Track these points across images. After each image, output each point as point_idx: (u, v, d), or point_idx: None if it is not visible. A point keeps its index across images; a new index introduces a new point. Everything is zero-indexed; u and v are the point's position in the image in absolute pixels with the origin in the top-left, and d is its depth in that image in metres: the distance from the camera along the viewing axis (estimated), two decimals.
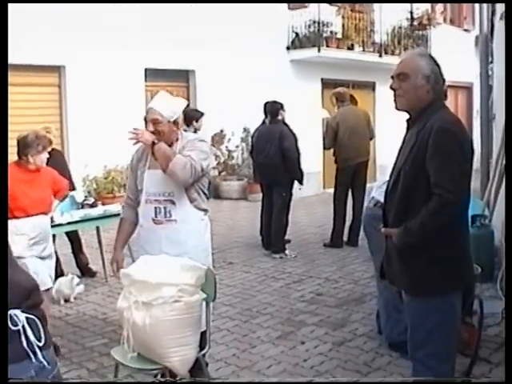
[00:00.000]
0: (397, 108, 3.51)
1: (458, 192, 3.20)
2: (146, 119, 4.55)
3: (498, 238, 7.92)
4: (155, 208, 4.54)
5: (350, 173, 9.59)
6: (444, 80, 3.48)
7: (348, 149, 9.49)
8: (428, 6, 20.48)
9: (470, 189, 3.29)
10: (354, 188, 9.64)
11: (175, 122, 4.55)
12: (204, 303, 4.02)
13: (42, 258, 5.59)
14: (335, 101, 9.84)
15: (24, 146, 5.48)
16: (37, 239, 5.55)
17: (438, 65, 3.48)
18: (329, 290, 7.44)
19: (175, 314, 3.78)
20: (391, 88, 3.50)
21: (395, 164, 3.60)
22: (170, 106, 4.56)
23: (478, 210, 7.70)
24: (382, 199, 5.28)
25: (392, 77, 3.50)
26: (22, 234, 5.42)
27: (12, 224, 5.27)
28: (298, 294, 7.27)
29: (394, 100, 3.50)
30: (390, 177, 3.62)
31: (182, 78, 15.05)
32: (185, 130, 8.78)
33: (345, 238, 9.70)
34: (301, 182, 9.38)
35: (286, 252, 9.18)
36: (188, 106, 14.65)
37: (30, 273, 5.43)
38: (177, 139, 4.59)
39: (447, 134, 3.24)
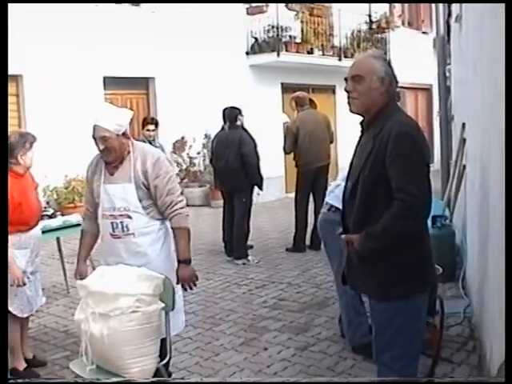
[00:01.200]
0: (351, 111, 3.49)
1: (422, 196, 3.20)
2: (94, 137, 4.41)
3: (459, 238, 7.99)
4: (112, 223, 4.45)
5: (310, 177, 9.60)
6: (397, 82, 3.49)
7: (308, 153, 9.50)
8: (386, 9, 20.70)
9: (431, 191, 3.30)
10: (315, 192, 9.65)
11: (124, 134, 4.44)
12: (163, 312, 3.97)
13: (35, 273, 5.43)
14: (295, 105, 9.85)
15: (10, 148, 5.07)
16: (35, 252, 5.37)
17: (391, 67, 3.49)
18: (291, 294, 7.44)
19: (133, 324, 3.73)
20: (346, 90, 3.49)
21: (350, 168, 3.60)
22: (115, 119, 4.42)
23: (439, 211, 7.76)
24: (334, 203, 5.36)
25: (346, 79, 3.49)
26: (25, 247, 5.19)
27: (15, 239, 5.02)
28: (261, 300, 7.25)
29: (348, 103, 3.48)
30: (347, 181, 3.61)
31: (141, 85, 14.97)
32: (142, 139, 8.88)
33: (307, 242, 9.71)
34: (260, 188, 9.37)
35: (249, 258, 9.16)
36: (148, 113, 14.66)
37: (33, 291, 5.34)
38: (128, 152, 4.47)
39: (407, 138, 3.24)
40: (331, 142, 10.03)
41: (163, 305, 3.88)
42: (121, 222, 4.42)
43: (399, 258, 3.31)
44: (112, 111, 4.56)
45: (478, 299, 5.61)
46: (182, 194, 4.57)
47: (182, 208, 4.46)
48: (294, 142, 9.53)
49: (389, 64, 3.51)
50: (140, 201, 4.42)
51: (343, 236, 3.53)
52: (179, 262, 4.44)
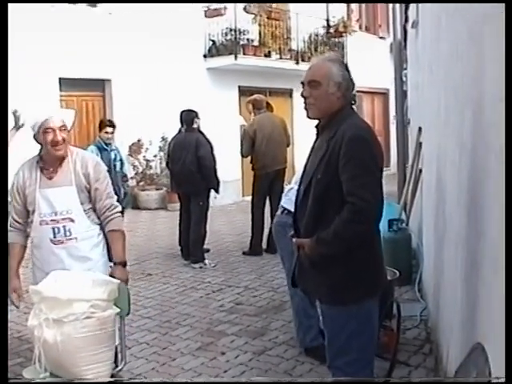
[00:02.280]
0: (308, 117, 3.47)
1: (373, 200, 3.17)
2: (48, 129, 4.30)
3: (415, 242, 8.05)
4: (53, 228, 4.34)
5: (267, 180, 9.60)
6: (354, 85, 3.47)
7: (265, 156, 9.51)
8: (344, 13, 20.84)
9: (382, 195, 3.28)
10: (272, 195, 9.63)
11: (69, 133, 4.43)
12: (118, 318, 3.91)
13: None
14: (252, 108, 9.85)
15: None
16: None
17: (348, 70, 3.47)
18: (248, 298, 7.41)
19: (87, 330, 3.66)
20: (302, 96, 3.46)
21: (304, 171, 3.59)
22: (64, 115, 4.43)
23: (395, 214, 7.81)
24: (287, 206, 5.38)
25: (302, 83, 3.47)
26: None
27: None
28: (218, 304, 7.21)
29: (305, 108, 3.46)
30: (300, 184, 3.60)
31: (97, 87, 14.82)
32: (99, 141, 8.79)
33: (264, 246, 9.70)
34: (217, 191, 9.34)
35: (205, 261, 9.12)
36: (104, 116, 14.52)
37: None
38: (66, 155, 4.40)
39: (361, 142, 3.22)
40: (288, 145, 10.05)
41: (118, 310, 3.82)
42: (63, 227, 4.34)
43: (350, 263, 3.29)
44: (59, 109, 4.54)
45: (434, 302, 5.65)
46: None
47: (119, 212, 4.49)
48: (251, 146, 9.52)
49: (346, 67, 3.49)
50: (81, 204, 4.37)
51: (294, 240, 3.51)
52: (115, 263, 4.40)
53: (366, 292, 3.36)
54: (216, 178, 9.18)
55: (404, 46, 11.49)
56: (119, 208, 4.51)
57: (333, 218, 3.23)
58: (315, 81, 3.39)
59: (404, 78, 11.50)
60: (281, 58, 17.77)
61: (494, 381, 1.73)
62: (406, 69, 11.44)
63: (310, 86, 3.41)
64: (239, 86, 17.54)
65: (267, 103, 10.04)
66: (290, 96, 19.16)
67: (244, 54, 16.59)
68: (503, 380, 1.54)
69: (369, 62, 21.01)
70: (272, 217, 9.59)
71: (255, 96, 10.07)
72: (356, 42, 20.58)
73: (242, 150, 9.70)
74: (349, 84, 3.43)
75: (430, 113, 6.14)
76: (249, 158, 9.79)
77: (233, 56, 16.30)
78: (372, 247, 3.38)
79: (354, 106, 3.52)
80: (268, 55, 17.37)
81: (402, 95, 11.43)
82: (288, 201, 5.30)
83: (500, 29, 2.32)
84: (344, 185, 3.21)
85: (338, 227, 3.21)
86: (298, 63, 18.00)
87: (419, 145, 7.84)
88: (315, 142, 3.56)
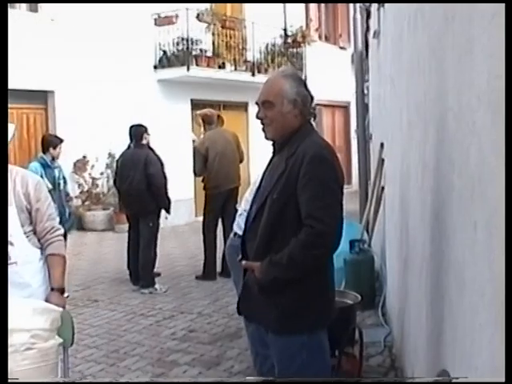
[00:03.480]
0: (266, 138, 3.49)
1: (333, 223, 3.17)
2: None
3: (378, 263, 8.12)
4: None
5: (220, 200, 9.60)
6: (312, 98, 3.49)
7: (218, 175, 9.50)
8: (302, 22, 21.01)
9: (342, 218, 3.29)
10: (225, 216, 9.64)
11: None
12: (61, 348, 3.86)
13: None
14: (202, 123, 9.86)
15: None
16: None
17: (305, 83, 3.49)
18: (202, 325, 7.39)
19: (28, 363, 3.60)
20: (257, 117, 3.48)
21: (257, 190, 3.59)
22: None
23: (357, 235, 7.88)
24: (239, 231, 5.42)
25: (257, 103, 3.48)
26: None
27: None
28: (169, 332, 7.17)
29: (263, 129, 3.47)
30: (252, 204, 3.61)
31: (39, 99, 14.68)
32: (42, 158, 8.69)
33: (218, 269, 9.68)
34: (168, 211, 9.32)
35: (156, 286, 9.06)
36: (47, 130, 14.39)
37: None
38: None
39: (322, 162, 3.23)
40: (241, 162, 10.07)
41: (61, 340, 3.77)
42: None
43: (303, 289, 3.28)
44: None
45: (398, 327, 5.70)
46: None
47: (61, 235, 4.42)
48: (204, 164, 9.52)
49: (302, 81, 3.51)
50: (22, 226, 4.31)
51: (243, 262, 3.50)
52: (52, 289, 4.34)
53: (317, 320, 3.35)
54: (167, 197, 9.16)
55: (366, 57, 11.63)
56: (61, 231, 4.45)
57: (287, 241, 3.22)
58: (268, 101, 3.40)
59: (366, 91, 11.64)
60: (236, 70, 17.85)
61: (494, 381, 1.79)
62: (367, 80, 11.58)
63: (265, 107, 3.43)
64: (192, 99, 17.55)
65: (218, 117, 10.06)
66: (246, 110, 19.23)
67: (197, 65, 16.61)
68: (503, 380, 1.61)
69: (329, 74, 21.26)
70: (225, 239, 9.57)
71: (205, 110, 10.07)
72: (315, 52, 20.82)
73: (194, 169, 9.68)
74: (305, 99, 3.43)
75: (392, 128, 6.22)
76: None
77: (185, 67, 16.30)
78: (326, 273, 3.37)
79: (313, 122, 3.54)
80: (222, 66, 17.43)
81: (363, 109, 11.59)
82: (237, 226, 5.37)
83: (460, 42, 2.38)
84: (303, 206, 3.21)
85: (293, 250, 3.19)
86: (253, 75, 18.10)
87: (381, 161, 7.93)
88: (271, 160, 3.57)
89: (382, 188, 7.87)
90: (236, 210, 9.70)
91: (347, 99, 21.91)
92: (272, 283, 3.30)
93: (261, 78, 17.31)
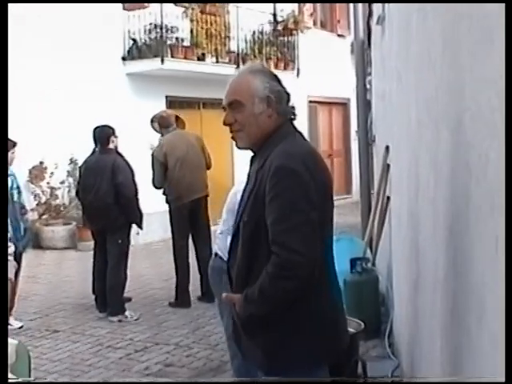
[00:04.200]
0: (238, 147, 3.48)
1: (303, 248, 3.09)
2: None
3: (384, 285, 8.13)
4: None
5: (185, 213, 9.56)
6: (288, 95, 3.46)
7: (180, 184, 9.49)
8: (295, 6, 20.99)
9: (327, 237, 3.28)
10: (195, 232, 9.65)
11: None
12: None
13: None
14: (158, 127, 9.85)
15: None
16: None
17: (277, 78, 3.47)
18: (180, 358, 7.39)
19: None
20: (224, 123, 3.46)
21: (237, 213, 3.56)
22: None
23: (359, 252, 7.89)
24: (219, 252, 5.46)
25: (223, 108, 3.48)
26: None
27: None
28: (142, 366, 7.17)
29: (233, 137, 3.46)
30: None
31: None
32: None
33: (198, 293, 9.66)
34: (140, 226, 9.31)
35: (126, 313, 9.05)
36: None
37: None
38: None
39: (287, 174, 3.16)
40: (208, 168, 10.02)
41: (16, 378, 3.76)
42: None
43: (284, 325, 3.26)
44: None
45: (408, 359, 5.70)
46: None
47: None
48: (164, 174, 9.49)
49: (273, 75, 3.49)
50: None
51: (224, 295, 3.49)
52: None
53: (314, 357, 3.32)
54: (138, 210, 9.15)
55: (368, 46, 11.63)
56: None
57: (262, 271, 3.21)
58: (236, 101, 3.39)
59: (368, 86, 11.65)
60: (218, 62, 17.84)
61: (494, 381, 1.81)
62: (370, 74, 11.59)
63: (233, 110, 3.41)
64: (167, 96, 17.52)
65: (177, 118, 10.05)
66: None
67: (172, 56, 16.59)
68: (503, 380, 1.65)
69: (326, 66, 21.32)
70: (198, 258, 9.55)
71: (160, 112, 10.09)
72: (310, 41, 20.86)
73: (153, 180, 9.61)
74: (280, 95, 3.41)
75: (399, 129, 6.24)
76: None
77: (158, 59, 16.26)
78: (317, 303, 3.30)
79: (294, 122, 3.51)
80: (202, 58, 17.42)
81: (365, 106, 11.60)
82: (221, 243, 5.40)
83: (478, 30, 2.38)
84: (269, 230, 3.18)
85: (263, 284, 3.18)
86: (238, 68, 18.07)
87: (386, 167, 7.94)
88: (248, 175, 3.54)
89: (388, 198, 7.89)
90: (208, 223, 9.76)
91: (346, 95, 21.96)
92: (248, 320, 3.32)
93: None
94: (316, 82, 21.15)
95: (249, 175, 3.51)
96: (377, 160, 10.16)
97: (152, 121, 10.03)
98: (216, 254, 5.51)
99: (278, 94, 3.39)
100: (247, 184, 3.48)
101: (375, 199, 8.69)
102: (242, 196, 3.53)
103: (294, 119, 3.48)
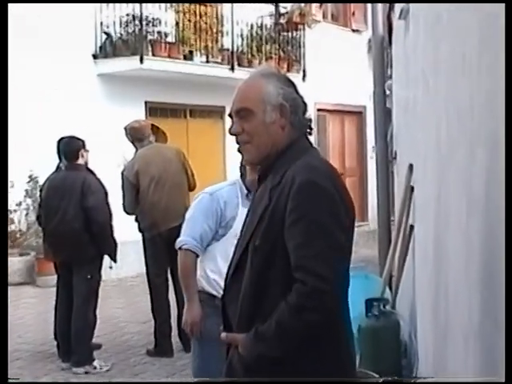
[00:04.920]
0: (245, 161, 3.55)
1: (333, 276, 3.15)
2: None
3: (407, 332, 8.10)
4: None
5: (161, 245, 9.41)
6: (306, 105, 3.50)
7: (154, 209, 9.45)
8: None
9: (348, 269, 3.29)
10: (174, 266, 9.51)
11: None
12: None
13: None
14: (131, 140, 9.75)
15: None
16: None
17: (293, 85, 3.51)
18: None
19: None
20: (230, 133, 3.49)
21: (240, 237, 3.58)
22: None
23: (375, 292, 7.86)
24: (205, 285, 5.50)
25: (230, 115, 3.50)
26: None
27: None
28: None
29: (239, 150, 3.50)
30: (234, 253, 3.61)
31: None
32: None
33: (178, 339, 9.61)
34: (113, 258, 9.27)
35: (95, 363, 9.01)
36: None
37: None
38: None
39: (315, 191, 3.22)
40: (191, 189, 9.86)
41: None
42: None
43: (302, 368, 3.27)
44: None
45: None
46: None
47: None
48: (135, 197, 9.41)
49: (290, 81, 3.53)
50: None
51: (223, 335, 3.50)
52: None
53: None
54: (112, 238, 9.12)
55: (388, 44, 11.64)
56: None
57: (277, 304, 3.21)
58: (246, 109, 3.42)
59: (388, 92, 11.67)
60: (208, 62, 17.89)
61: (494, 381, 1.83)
62: (390, 77, 11.61)
63: (240, 118, 3.44)
64: (146, 102, 17.54)
65: (156, 129, 10.02)
66: (222, 117, 19.15)
67: (154, 54, 16.63)
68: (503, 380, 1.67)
69: (337, 67, 21.36)
70: (177, 298, 9.35)
71: (132, 122, 9.89)
72: (319, 37, 20.92)
73: (124, 204, 9.53)
74: (296, 104, 3.46)
75: (425, 144, 6.24)
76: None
77: (137, 57, 16.30)
78: (335, 343, 3.34)
79: (310, 137, 3.54)
80: (189, 57, 17.46)
81: (384, 116, 11.61)
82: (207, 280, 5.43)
83: None
84: (291, 255, 3.21)
85: (282, 317, 3.19)
86: (233, 69, 18.14)
87: (410, 190, 7.94)
88: (254, 195, 3.58)
89: (411, 227, 7.88)
90: None
91: (362, 103, 21.99)
92: (257, 362, 3.29)
93: (242, 74, 17.28)
94: (325, 87, 21.13)
95: (254, 196, 3.57)
96: (398, 181, 10.17)
97: (126, 132, 9.96)
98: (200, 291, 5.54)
99: (293, 103, 3.43)
100: (254, 204, 3.52)
101: (396, 228, 8.67)
102: (248, 217, 3.56)
103: (310, 134, 3.53)
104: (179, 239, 5.74)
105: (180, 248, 5.74)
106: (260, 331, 3.25)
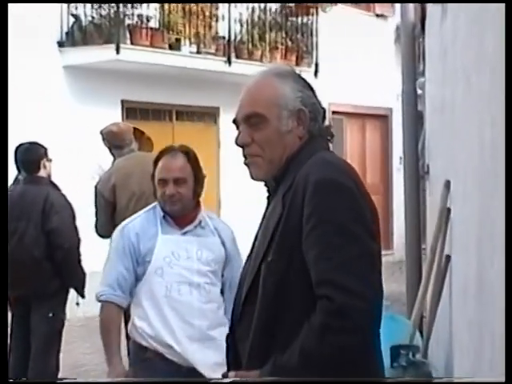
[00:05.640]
0: (254, 178, 3.53)
1: (366, 288, 3.14)
2: None
3: None
4: None
5: None
6: (324, 111, 3.53)
7: None
8: None
9: (380, 281, 3.28)
10: None
11: None
12: None
13: None
14: (108, 146, 9.69)
15: None
16: None
17: (310, 87, 3.53)
18: None
19: None
20: (237, 144, 3.50)
21: (248, 261, 3.58)
22: None
23: (403, 337, 7.87)
24: (135, 334, 5.61)
25: (234, 121, 3.52)
26: None
27: None
28: None
29: (246, 164, 3.51)
30: (242, 279, 3.62)
31: None
32: None
33: None
34: (81, 292, 9.26)
35: None
36: None
37: None
38: None
39: (335, 190, 3.23)
40: None
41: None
42: None
43: None
44: None
45: None
46: None
47: None
48: (111, 216, 9.36)
49: (306, 82, 3.55)
50: None
51: (232, 374, 3.46)
52: None
53: None
54: (79, 268, 9.11)
55: (421, 33, 11.67)
56: None
57: (297, 330, 3.21)
58: (257, 114, 3.45)
59: (419, 91, 11.70)
60: (199, 53, 17.90)
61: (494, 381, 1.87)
62: (423, 73, 11.65)
63: (250, 125, 3.46)
64: (123, 101, 17.56)
65: (141, 134, 10.00)
66: (215, 120, 19.24)
67: (133, 42, 16.65)
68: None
69: (357, 61, 21.35)
70: None
71: (110, 126, 9.80)
72: (335, 23, 20.91)
73: (96, 225, 9.49)
74: (316, 110, 3.49)
75: (465, 156, 6.25)
76: None
77: (112, 46, 16.32)
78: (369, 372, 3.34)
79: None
80: (176, 46, 17.47)
81: (414, 121, 11.62)
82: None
83: None
84: (312, 269, 3.20)
85: (307, 342, 3.19)
86: (229, 62, 18.13)
87: (446, 212, 7.96)
88: (268, 205, 3.57)
89: (447, 257, 7.90)
90: None
91: (387, 104, 22.00)
92: None
93: (241, 68, 17.36)
94: (342, 84, 21.19)
95: (266, 210, 3.55)
96: (431, 201, 10.18)
97: (103, 138, 9.89)
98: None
99: (312, 108, 3.46)
100: (266, 219, 3.51)
101: (428, 259, 8.68)
102: (257, 236, 3.55)
103: (331, 142, 3.56)
104: (97, 290, 5.89)
105: (98, 300, 5.82)
106: (279, 363, 3.23)
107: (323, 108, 3.51)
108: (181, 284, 5.89)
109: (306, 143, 3.45)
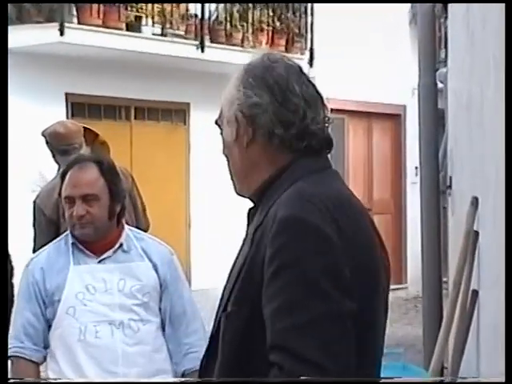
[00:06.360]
0: (238, 193, 3.60)
1: (327, 362, 3.11)
2: None
3: None
4: None
5: None
6: (325, 106, 3.56)
7: None
8: None
9: (352, 356, 3.23)
10: None
11: None
12: None
13: None
14: (51, 151, 9.63)
15: None
16: None
17: (310, 80, 3.58)
18: None
19: None
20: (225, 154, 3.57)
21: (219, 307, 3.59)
22: None
23: None
24: None
25: (217, 123, 3.58)
26: None
27: None
28: None
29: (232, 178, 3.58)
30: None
31: None
32: None
33: None
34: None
35: None
36: None
37: None
38: None
39: (300, 231, 3.22)
40: (144, 230, 9.59)
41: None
42: None
43: None
44: None
45: None
46: None
47: None
48: (54, 239, 9.28)
49: (305, 74, 3.59)
50: None
51: None
52: None
53: None
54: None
55: (443, 14, 11.71)
56: None
57: None
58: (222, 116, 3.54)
59: (440, 84, 11.73)
60: (164, 35, 17.94)
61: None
62: (445, 62, 11.68)
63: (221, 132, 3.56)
64: (67, 94, 17.56)
65: (93, 135, 10.00)
66: (184, 119, 19.26)
67: (80, 22, 16.67)
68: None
69: (361, 48, 21.41)
70: None
71: (55, 125, 9.61)
72: (336, 5, 20.92)
73: (34, 250, 9.39)
74: (316, 107, 3.52)
75: (497, 167, 6.27)
76: None
77: (55, 25, 16.34)
78: None
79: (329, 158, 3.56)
80: (136, 27, 17.52)
81: (434, 122, 11.63)
82: None
83: None
84: (267, 327, 3.21)
85: None
86: (202, 47, 18.17)
87: (473, 237, 7.98)
88: (243, 244, 3.58)
89: (475, 293, 7.92)
90: None
91: (400, 101, 22.02)
92: None
93: (217, 54, 17.43)
94: (344, 76, 21.19)
95: (242, 244, 3.55)
96: (454, 222, 10.22)
97: (46, 141, 9.83)
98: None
99: (309, 101, 3.48)
100: (237, 256, 3.53)
101: (451, 294, 8.71)
102: (231, 270, 3.55)
103: (329, 150, 3.56)
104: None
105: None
106: None
107: (326, 106, 3.56)
108: (99, 324, 5.91)
109: (291, 163, 3.44)
